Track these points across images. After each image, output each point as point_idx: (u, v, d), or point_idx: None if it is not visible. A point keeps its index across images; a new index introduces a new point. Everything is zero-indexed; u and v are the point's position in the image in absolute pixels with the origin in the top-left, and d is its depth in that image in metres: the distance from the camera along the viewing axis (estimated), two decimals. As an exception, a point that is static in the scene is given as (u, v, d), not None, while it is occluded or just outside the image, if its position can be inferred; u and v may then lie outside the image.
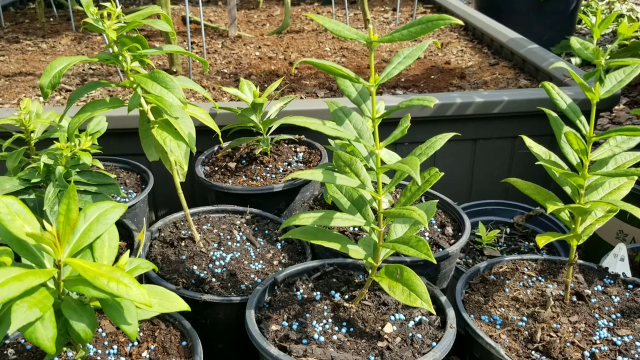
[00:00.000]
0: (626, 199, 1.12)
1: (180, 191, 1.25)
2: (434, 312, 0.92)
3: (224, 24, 3.04)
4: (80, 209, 0.87)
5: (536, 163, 1.06)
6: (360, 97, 0.99)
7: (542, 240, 0.99)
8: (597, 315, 1.10)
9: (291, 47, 2.67)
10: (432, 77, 2.31)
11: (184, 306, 0.90)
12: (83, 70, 2.40)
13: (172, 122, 1.14)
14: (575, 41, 1.01)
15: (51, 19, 3.14)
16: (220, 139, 1.31)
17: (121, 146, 1.76)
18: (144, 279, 1.25)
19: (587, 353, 1.01)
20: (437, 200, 1.13)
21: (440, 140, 1.02)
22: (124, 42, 1.16)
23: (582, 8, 4.42)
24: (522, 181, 1.13)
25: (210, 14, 3.30)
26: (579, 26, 4.12)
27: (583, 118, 1.05)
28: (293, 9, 3.38)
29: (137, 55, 1.17)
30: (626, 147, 1.05)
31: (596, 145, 1.35)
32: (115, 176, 1.63)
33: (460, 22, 0.84)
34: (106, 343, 1.03)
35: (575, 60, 3.44)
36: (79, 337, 0.82)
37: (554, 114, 1.09)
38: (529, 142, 1.12)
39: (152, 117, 1.20)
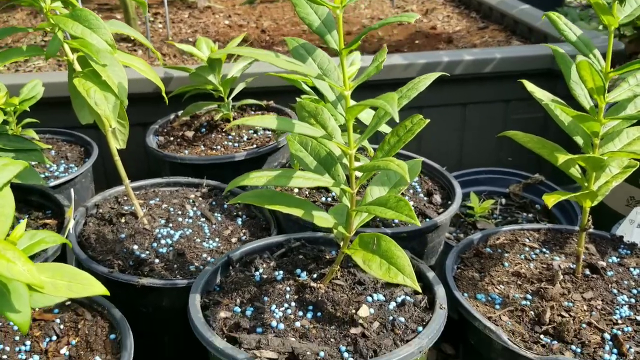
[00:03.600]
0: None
1: (116, 157, 1.05)
2: (420, 290, 0.73)
3: (193, -5, 2.82)
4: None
5: (543, 102, 0.87)
6: (324, 26, 0.80)
7: (551, 199, 0.80)
8: (615, 291, 0.92)
9: (264, 15, 2.46)
10: (417, 42, 2.12)
11: (100, 289, 0.70)
12: (35, 42, 2.18)
13: (98, 70, 0.94)
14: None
15: (6, -7, 2.91)
16: (164, 94, 1.11)
17: (66, 117, 1.55)
18: (75, 262, 1.05)
19: (607, 335, 0.82)
20: (421, 159, 0.94)
21: (425, 80, 0.83)
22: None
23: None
24: (523, 134, 0.94)
25: (179, -14, 3.08)
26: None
27: (597, 52, 0.86)
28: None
29: (58, -8, 0.97)
30: (649, 85, 0.86)
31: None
32: (53, 149, 1.42)
33: None
34: (17, 338, 0.83)
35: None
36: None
37: (561, 50, 0.90)
38: (530, 86, 0.93)
39: (79, 69, 1.00)
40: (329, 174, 0.84)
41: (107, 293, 0.72)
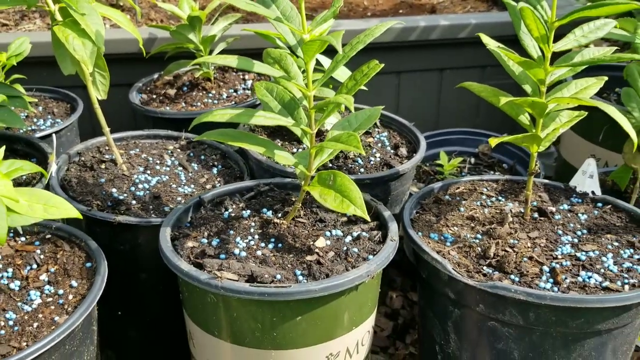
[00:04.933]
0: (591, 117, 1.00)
1: (97, 106, 1.11)
2: (368, 218, 0.80)
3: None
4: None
5: (488, 47, 0.92)
6: (285, -26, 0.85)
7: (494, 141, 0.86)
8: (560, 232, 0.98)
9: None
10: (401, 11, 2.16)
11: (73, 212, 0.77)
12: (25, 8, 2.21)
13: (77, 19, 0.99)
14: None
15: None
16: (142, 46, 1.16)
17: (54, 78, 1.60)
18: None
19: (546, 268, 0.89)
20: (381, 107, 1.00)
21: (381, 27, 0.88)
22: None
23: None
24: (478, 84, 1.00)
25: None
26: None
27: (545, 3, 0.91)
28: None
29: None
30: (593, 37, 0.92)
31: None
32: (41, 106, 1.48)
33: None
34: (0, 266, 0.90)
35: None
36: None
37: (513, 2, 0.95)
38: (485, 39, 0.98)
39: (60, 19, 1.05)
40: (291, 117, 0.89)
41: (80, 216, 0.78)
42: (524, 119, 0.97)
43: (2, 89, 1.10)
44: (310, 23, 0.87)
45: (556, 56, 0.95)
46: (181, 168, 1.20)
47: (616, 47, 0.98)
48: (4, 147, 0.77)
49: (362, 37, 0.88)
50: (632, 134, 0.86)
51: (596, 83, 0.97)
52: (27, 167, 0.79)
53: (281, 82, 0.87)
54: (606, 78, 0.98)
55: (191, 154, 1.26)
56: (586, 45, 0.98)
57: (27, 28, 1.96)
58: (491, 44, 0.96)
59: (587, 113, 0.97)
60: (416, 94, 1.75)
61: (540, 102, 0.88)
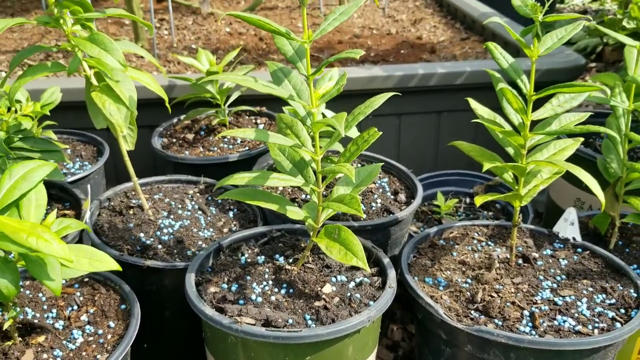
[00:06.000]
0: (577, 163, 1.11)
1: (126, 158, 1.24)
2: (368, 269, 0.91)
3: (198, 1, 3.00)
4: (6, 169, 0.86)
5: (473, 120, 1.05)
6: (296, 56, 0.98)
7: (480, 200, 0.98)
8: (541, 277, 1.10)
9: (263, 23, 2.64)
10: (402, 51, 2.29)
11: (114, 265, 0.89)
12: (51, 53, 2.36)
13: (112, 86, 1.12)
14: (516, -1, 0.99)
15: (22, -2, 3.09)
16: (168, 105, 1.29)
17: (80, 120, 1.74)
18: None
19: (526, 312, 1.00)
20: (381, 164, 1.12)
21: (379, 99, 1.00)
22: (65, 4, 1.14)
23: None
24: (467, 144, 1.12)
25: (185, -8, 3.26)
26: (562, 5, 4.09)
27: (525, 77, 1.04)
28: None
29: (79, 18, 1.15)
30: (569, 106, 1.04)
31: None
32: (69, 148, 1.61)
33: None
34: (45, 307, 1.02)
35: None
36: (1, 294, 0.81)
37: (497, 74, 1.08)
38: (474, 104, 1.11)
39: (95, 82, 1.18)
40: (301, 175, 1.02)
41: (119, 268, 0.91)
42: (508, 177, 1.09)
43: (41, 144, 1.23)
44: (317, 94, 1.00)
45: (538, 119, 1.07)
46: (201, 212, 1.33)
47: (590, 113, 1.09)
48: (54, 212, 0.89)
49: (363, 108, 1.00)
50: (600, 196, 0.97)
51: (572, 144, 1.09)
52: (74, 225, 0.92)
53: (294, 148, 0.99)
54: (582, 139, 1.10)
55: (209, 198, 1.38)
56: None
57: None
58: (479, 110, 1.09)
59: (565, 170, 1.09)
60: (416, 134, 1.87)
61: (520, 167, 1.00)
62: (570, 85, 0.95)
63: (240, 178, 0.96)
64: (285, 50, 0.98)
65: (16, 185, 0.85)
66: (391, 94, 1.01)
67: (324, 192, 1.03)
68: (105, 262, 0.89)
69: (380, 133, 0.99)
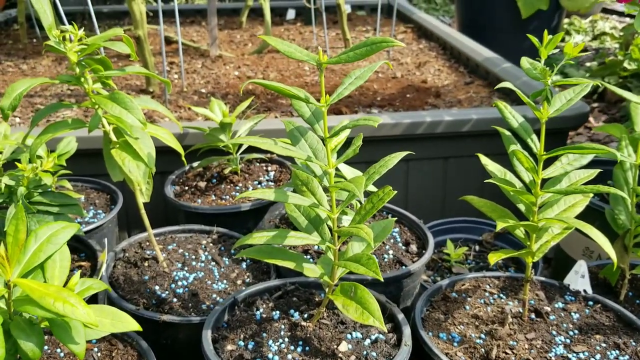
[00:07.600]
0: (587, 214, 1.14)
1: (142, 211, 1.26)
2: (386, 330, 0.93)
3: (207, 44, 3.07)
4: (32, 230, 0.88)
5: (485, 181, 1.07)
6: (313, 117, 1.01)
7: (494, 258, 0.99)
8: (554, 332, 1.10)
9: (271, 66, 2.70)
10: (408, 95, 2.33)
11: (135, 326, 0.90)
12: (61, 90, 2.41)
13: (131, 143, 1.15)
14: (525, 61, 1.03)
15: (34, 40, 3.16)
16: (184, 159, 1.31)
17: (93, 167, 1.77)
18: (106, 299, 1.25)
19: (541, 370, 1.01)
20: (394, 219, 1.14)
21: (394, 159, 1.03)
22: (87, 63, 1.17)
23: (565, 26, 4.48)
24: (478, 199, 1.14)
25: (194, 34, 3.34)
26: (561, 43, 4.18)
27: (534, 137, 1.06)
28: (275, 28, 3.42)
29: (99, 76, 1.19)
30: (578, 164, 1.06)
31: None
32: (83, 196, 1.63)
33: (402, 45, 0.86)
34: (62, 364, 1.03)
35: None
36: (27, 356, 0.82)
37: (507, 132, 1.11)
38: (484, 160, 1.14)
39: (114, 138, 1.21)
40: (317, 232, 1.04)
41: (140, 329, 0.92)
42: (520, 232, 1.10)
43: (60, 198, 1.26)
44: (333, 153, 1.02)
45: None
46: (214, 263, 1.34)
47: (600, 170, 1.12)
48: (78, 274, 0.91)
49: (378, 167, 1.03)
50: (612, 254, 0.99)
51: (582, 200, 1.12)
52: (96, 286, 0.93)
53: (312, 207, 1.01)
54: (591, 195, 1.12)
55: (222, 248, 1.40)
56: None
57: (65, 115, 2.14)
58: (490, 166, 1.11)
59: (574, 227, 1.11)
60: (423, 180, 1.90)
61: (532, 225, 1.02)
62: (580, 148, 0.97)
63: (259, 237, 0.97)
64: (303, 112, 1.01)
65: (41, 248, 0.87)
66: (405, 153, 1.04)
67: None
68: (126, 323, 0.90)
69: (395, 192, 1.01)
